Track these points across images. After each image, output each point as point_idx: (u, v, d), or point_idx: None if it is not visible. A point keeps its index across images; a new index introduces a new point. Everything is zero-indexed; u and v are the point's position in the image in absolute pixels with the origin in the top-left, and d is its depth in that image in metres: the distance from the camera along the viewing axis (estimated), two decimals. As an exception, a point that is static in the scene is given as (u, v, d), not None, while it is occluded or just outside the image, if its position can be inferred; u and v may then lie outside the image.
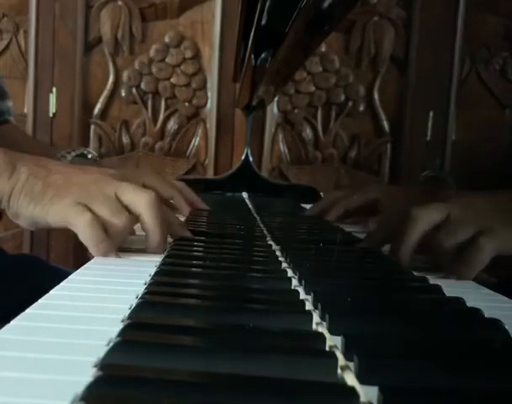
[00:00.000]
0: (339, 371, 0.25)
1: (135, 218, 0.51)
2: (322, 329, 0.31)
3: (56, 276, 0.43)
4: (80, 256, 1.79)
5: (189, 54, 1.81)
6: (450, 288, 0.43)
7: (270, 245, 0.61)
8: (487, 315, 0.35)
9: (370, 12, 1.80)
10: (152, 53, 1.81)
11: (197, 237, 0.61)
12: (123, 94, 1.83)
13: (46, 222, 0.51)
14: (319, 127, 1.84)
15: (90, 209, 0.49)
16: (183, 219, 0.77)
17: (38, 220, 0.51)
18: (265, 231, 0.71)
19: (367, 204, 0.83)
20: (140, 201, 0.51)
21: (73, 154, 0.88)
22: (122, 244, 0.53)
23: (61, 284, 0.39)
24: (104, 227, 0.49)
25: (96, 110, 1.83)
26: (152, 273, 0.42)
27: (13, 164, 0.51)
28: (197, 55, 1.82)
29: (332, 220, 0.85)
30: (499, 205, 0.52)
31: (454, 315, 0.36)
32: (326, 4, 0.55)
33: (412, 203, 0.54)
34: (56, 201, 0.50)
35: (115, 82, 1.83)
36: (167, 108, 1.84)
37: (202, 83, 1.83)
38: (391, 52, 1.82)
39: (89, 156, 0.93)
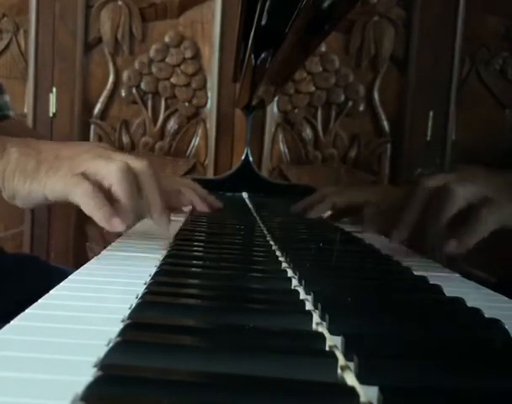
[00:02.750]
0: (339, 371, 0.25)
1: (129, 166, 0.51)
2: (322, 329, 0.31)
3: (56, 276, 0.43)
4: (80, 256, 1.79)
5: (189, 54, 1.81)
6: (450, 288, 0.43)
7: (270, 245, 0.61)
8: (487, 315, 0.35)
9: (370, 12, 1.80)
10: (152, 53, 1.81)
11: (197, 237, 0.61)
12: (123, 94, 1.83)
13: (44, 196, 0.51)
14: (319, 127, 1.84)
15: (85, 176, 0.49)
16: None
17: (35, 195, 0.51)
18: (265, 231, 0.71)
19: (357, 204, 0.82)
20: (135, 165, 0.51)
21: None
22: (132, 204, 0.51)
23: (61, 284, 0.39)
24: (105, 192, 0.49)
25: (96, 110, 1.83)
26: (152, 273, 0.42)
27: (2, 146, 0.52)
28: (197, 55, 1.82)
29: (318, 215, 0.84)
30: (502, 179, 0.52)
31: (454, 315, 0.36)
32: (326, 4, 0.55)
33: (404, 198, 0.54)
34: (51, 174, 0.50)
35: (115, 82, 1.83)
36: (167, 108, 1.84)
37: (202, 83, 1.83)
38: (391, 52, 1.81)
39: None
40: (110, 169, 0.49)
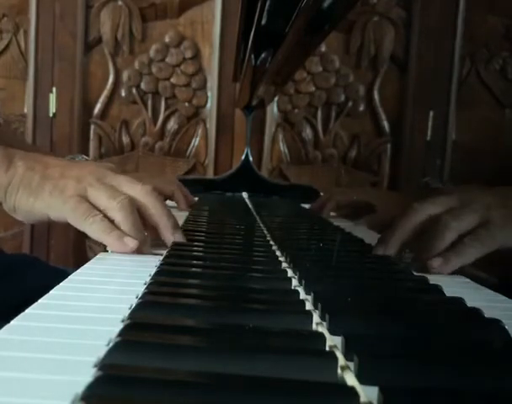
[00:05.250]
0: (339, 371, 0.25)
1: (134, 200, 0.51)
2: (322, 329, 0.31)
3: (56, 276, 0.43)
4: (80, 256, 1.79)
5: (189, 54, 1.81)
6: (450, 288, 0.43)
7: (270, 245, 0.61)
8: (487, 315, 0.35)
9: (370, 12, 1.80)
10: (152, 53, 1.81)
11: (197, 237, 0.61)
12: (123, 94, 1.83)
13: (47, 216, 0.51)
14: (319, 127, 1.84)
15: (89, 201, 0.49)
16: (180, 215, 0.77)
17: (38, 214, 0.51)
18: (265, 231, 0.71)
19: (358, 204, 0.88)
20: (137, 190, 0.52)
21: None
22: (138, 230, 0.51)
23: (61, 284, 0.39)
24: (109, 218, 0.50)
25: (96, 110, 1.83)
26: (152, 273, 0.42)
27: (9, 158, 0.52)
28: (197, 55, 1.82)
29: (327, 214, 0.93)
30: (501, 201, 0.52)
31: (454, 315, 0.36)
32: (326, 4, 0.55)
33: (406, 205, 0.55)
34: (56, 195, 0.50)
35: (115, 82, 1.83)
36: (167, 108, 1.84)
37: (202, 83, 1.83)
38: (391, 52, 1.81)
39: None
40: (114, 205, 0.50)
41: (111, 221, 0.50)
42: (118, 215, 0.50)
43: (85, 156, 0.92)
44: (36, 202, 0.50)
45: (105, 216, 0.50)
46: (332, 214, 0.97)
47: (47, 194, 0.50)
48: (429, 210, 0.52)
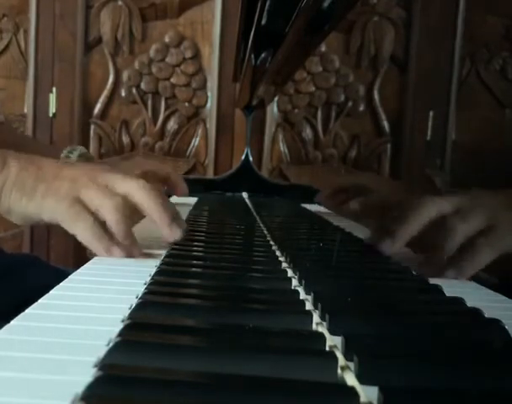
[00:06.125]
0: (339, 371, 0.25)
1: (127, 198, 0.51)
2: (322, 329, 0.31)
3: (56, 276, 0.43)
4: (80, 256, 1.79)
5: (189, 54, 1.81)
6: (450, 288, 0.43)
7: (270, 245, 0.61)
8: (487, 315, 0.35)
9: (370, 12, 1.80)
10: (151, 53, 1.81)
11: (197, 237, 0.61)
12: (123, 94, 1.83)
13: (40, 218, 0.50)
14: (319, 127, 1.84)
15: (82, 203, 0.49)
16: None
17: (31, 215, 0.51)
18: (265, 231, 0.71)
19: (354, 187, 0.89)
20: (133, 186, 0.51)
21: (76, 153, 0.89)
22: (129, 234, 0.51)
23: (61, 284, 0.39)
24: (102, 222, 0.49)
25: (96, 110, 1.83)
26: (152, 273, 0.42)
27: (3, 159, 0.51)
28: (197, 55, 1.82)
29: (327, 201, 0.97)
30: (506, 204, 0.52)
31: (454, 315, 0.36)
32: (326, 4, 0.55)
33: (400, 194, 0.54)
34: (49, 197, 0.49)
35: (115, 82, 1.83)
36: (167, 108, 1.84)
37: (202, 83, 1.83)
38: (391, 52, 1.81)
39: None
40: (107, 205, 0.49)
41: (103, 222, 0.50)
42: (109, 217, 0.49)
43: (84, 148, 0.91)
44: (29, 204, 0.50)
45: (97, 217, 0.49)
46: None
47: (40, 196, 0.50)
48: (440, 208, 0.52)
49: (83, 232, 0.49)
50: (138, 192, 0.51)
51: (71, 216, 0.49)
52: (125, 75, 1.82)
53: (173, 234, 0.53)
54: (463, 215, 0.51)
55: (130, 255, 0.50)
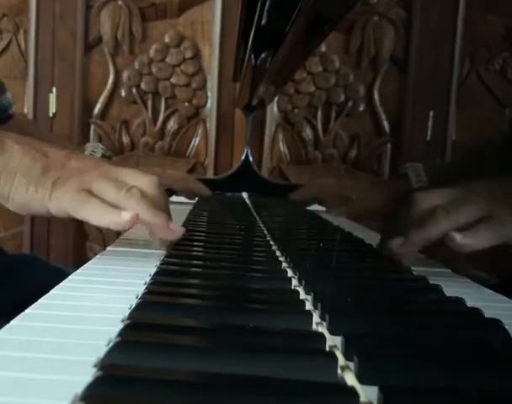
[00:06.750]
0: (339, 371, 0.25)
1: (140, 193, 0.48)
2: (322, 329, 0.31)
3: (56, 276, 0.43)
4: (80, 256, 1.79)
5: (189, 54, 1.81)
6: (450, 288, 0.43)
7: (270, 245, 0.61)
8: (487, 315, 0.35)
9: (370, 12, 1.80)
10: (151, 53, 1.81)
11: (197, 237, 0.61)
12: (123, 94, 1.83)
13: (46, 208, 0.48)
14: (319, 127, 1.84)
15: (94, 194, 0.47)
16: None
17: (36, 204, 0.48)
18: (265, 231, 0.71)
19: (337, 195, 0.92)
20: (144, 182, 0.49)
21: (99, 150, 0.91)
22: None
23: (61, 284, 0.39)
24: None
25: (96, 110, 1.83)
26: (152, 273, 0.42)
27: (1, 140, 0.48)
28: (197, 55, 1.82)
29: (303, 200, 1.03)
30: (503, 193, 0.52)
31: (454, 315, 0.36)
32: (326, 4, 0.55)
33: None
34: (59, 186, 0.47)
35: (115, 82, 1.83)
36: (167, 108, 1.84)
37: (202, 83, 1.83)
38: (391, 52, 1.81)
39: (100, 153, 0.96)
40: (122, 196, 0.47)
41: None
42: (128, 204, 0.47)
43: (102, 146, 0.93)
44: (37, 192, 0.47)
45: (105, 200, 0.47)
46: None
47: (49, 185, 0.47)
48: (459, 220, 0.51)
49: (93, 212, 0.46)
50: (151, 188, 0.50)
51: (79, 202, 0.47)
52: (125, 75, 1.82)
53: (174, 235, 0.52)
54: (455, 205, 0.50)
55: (165, 232, 0.49)
